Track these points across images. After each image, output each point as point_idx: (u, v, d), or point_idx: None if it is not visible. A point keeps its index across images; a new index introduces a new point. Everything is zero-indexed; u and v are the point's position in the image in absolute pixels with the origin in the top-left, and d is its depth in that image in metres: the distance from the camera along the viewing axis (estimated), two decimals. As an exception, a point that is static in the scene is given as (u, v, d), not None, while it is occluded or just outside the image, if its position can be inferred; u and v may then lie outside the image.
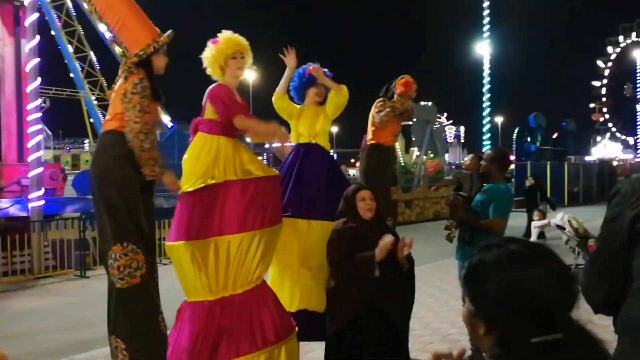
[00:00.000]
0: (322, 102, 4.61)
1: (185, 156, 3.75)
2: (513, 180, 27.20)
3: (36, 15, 10.41)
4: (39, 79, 10.59)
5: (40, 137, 11.13)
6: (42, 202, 10.52)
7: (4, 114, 11.54)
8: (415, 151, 28.66)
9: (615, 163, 38.91)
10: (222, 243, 3.50)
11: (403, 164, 26.90)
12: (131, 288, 3.46)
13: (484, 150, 20.08)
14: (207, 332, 3.49)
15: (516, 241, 1.33)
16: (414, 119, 26.34)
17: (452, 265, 5.45)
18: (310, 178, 4.28)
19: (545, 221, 9.20)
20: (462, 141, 58.54)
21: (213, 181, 3.56)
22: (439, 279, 8.67)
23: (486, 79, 27.56)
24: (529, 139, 32.46)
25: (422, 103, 27.05)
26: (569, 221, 9.00)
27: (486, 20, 27.57)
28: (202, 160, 3.64)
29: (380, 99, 5.11)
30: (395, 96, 5.07)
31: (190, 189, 3.60)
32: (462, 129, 56.85)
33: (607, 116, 63.05)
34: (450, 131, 54.55)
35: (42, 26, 10.21)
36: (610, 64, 62.43)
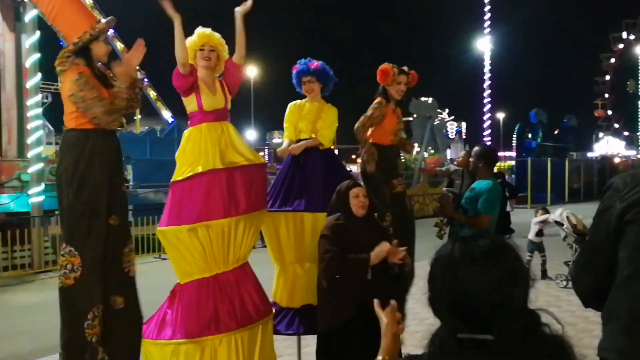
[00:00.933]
0: (327, 95, 4.63)
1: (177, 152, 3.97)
2: (513, 176, 27.22)
3: (37, 10, 10.45)
4: (40, 75, 10.63)
5: (40, 132, 11.18)
6: (42, 197, 10.58)
7: (5, 110, 11.57)
8: (415, 147, 28.64)
9: (617, 160, 38.82)
10: (209, 227, 3.71)
11: (403, 160, 26.91)
12: (64, 288, 3.46)
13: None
14: (198, 308, 3.72)
15: (478, 238, 1.35)
16: (414, 115, 26.33)
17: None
18: (314, 172, 4.31)
19: (544, 216, 9.19)
20: (464, 137, 58.45)
21: (200, 169, 3.76)
22: (436, 275, 8.68)
23: (487, 75, 27.51)
24: (529, 135, 32.46)
25: (423, 99, 27.06)
26: (567, 217, 8.99)
27: (487, 15, 27.51)
28: (187, 152, 3.87)
29: (378, 99, 4.97)
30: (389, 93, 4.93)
31: (179, 178, 3.82)
32: (463, 124, 56.71)
33: (609, 112, 62.85)
34: (451, 127, 54.42)
35: (43, 22, 10.20)
36: (613, 59, 62.18)
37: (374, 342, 3.51)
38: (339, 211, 3.75)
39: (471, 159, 4.76)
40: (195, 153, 3.82)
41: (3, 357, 5.86)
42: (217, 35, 4.02)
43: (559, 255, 9.16)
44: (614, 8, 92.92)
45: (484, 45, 28.25)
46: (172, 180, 3.88)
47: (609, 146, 55.13)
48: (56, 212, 11.05)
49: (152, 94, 32.55)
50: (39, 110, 11.25)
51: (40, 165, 10.74)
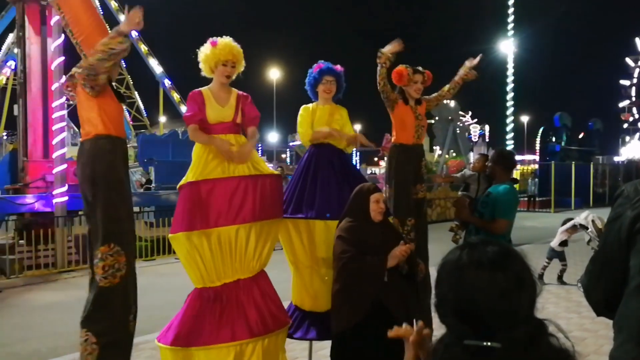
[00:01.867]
0: (339, 98, 4.62)
1: (194, 150, 3.94)
2: (537, 180, 26.87)
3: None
4: (64, 77, 10.77)
5: (64, 134, 11.34)
6: (66, 197, 10.73)
7: (30, 112, 11.76)
8: (437, 150, 28.48)
9: (643, 163, 38.09)
10: (221, 233, 3.71)
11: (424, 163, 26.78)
12: (112, 287, 3.61)
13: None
14: (199, 316, 3.73)
15: (486, 244, 1.35)
16: (436, 118, 26.19)
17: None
18: (327, 179, 4.29)
19: (569, 224, 9.00)
20: (487, 140, 57.89)
21: (224, 175, 3.78)
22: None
23: (510, 78, 27.22)
24: (553, 139, 32.03)
25: (445, 102, 26.86)
26: (592, 221, 8.84)
27: (511, 17, 27.23)
28: (202, 160, 3.85)
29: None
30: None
31: (194, 180, 3.79)
32: (486, 128, 56.13)
33: (636, 116, 61.69)
34: (474, 130, 53.91)
35: (68, 25, 10.36)
36: (639, 62, 61.00)
37: (390, 344, 3.50)
38: (356, 212, 3.73)
39: (489, 163, 4.70)
40: (209, 159, 3.83)
41: (25, 355, 5.94)
42: (240, 49, 3.98)
43: (582, 260, 9.01)
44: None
45: (507, 47, 27.94)
46: (190, 180, 3.85)
47: (636, 150, 54.13)
48: (80, 213, 11.21)
49: (176, 96, 32.89)
50: (64, 112, 11.43)
51: (65, 166, 10.90)
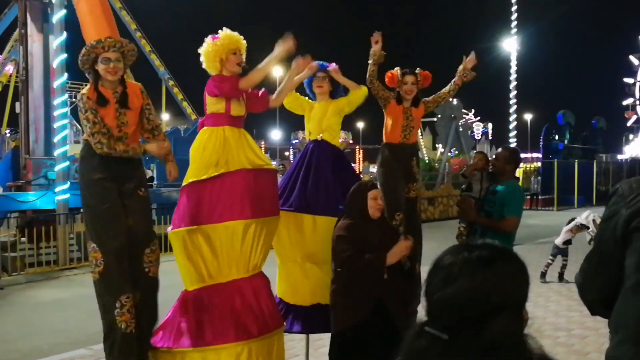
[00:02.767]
0: (335, 94, 4.62)
1: (191, 150, 3.88)
2: (539, 178, 26.81)
3: (64, 12, 10.62)
4: (66, 75, 10.79)
5: (67, 131, 11.35)
6: (68, 195, 10.73)
7: (33, 109, 11.76)
8: (440, 148, 28.44)
9: (647, 161, 37.96)
10: (219, 229, 3.68)
11: (427, 161, 26.73)
12: (95, 281, 3.79)
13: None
14: (193, 316, 3.69)
15: (481, 245, 1.37)
16: (439, 115, 26.13)
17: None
18: (316, 174, 4.31)
19: (573, 223, 8.96)
20: (490, 138, 57.78)
21: (224, 170, 3.72)
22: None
23: (513, 76, 27.14)
24: (556, 137, 31.94)
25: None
26: (593, 220, 8.81)
27: (514, 15, 27.13)
28: (209, 151, 3.79)
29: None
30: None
31: (195, 179, 3.76)
32: (489, 125, 56.01)
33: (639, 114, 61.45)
34: (477, 128, 53.79)
35: (70, 23, 10.35)
36: (644, 60, 60.73)
37: (390, 342, 3.50)
38: (355, 210, 3.72)
39: (496, 162, 4.67)
40: (218, 154, 3.76)
41: (26, 352, 5.95)
42: (244, 40, 3.96)
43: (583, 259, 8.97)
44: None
45: (510, 45, 27.84)
46: (190, 180, 3.78)
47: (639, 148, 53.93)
48: (81, 210, 11.23)
49: (178, 94, 32.88)
50: (66, 109, 11.44)
51: (66, 163, 10.90)
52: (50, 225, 10.51)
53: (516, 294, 1.32)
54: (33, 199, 10.91)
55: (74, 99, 23.18)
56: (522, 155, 4.96)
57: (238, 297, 3.71)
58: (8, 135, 29.56)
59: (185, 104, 31.24)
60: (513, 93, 27.13)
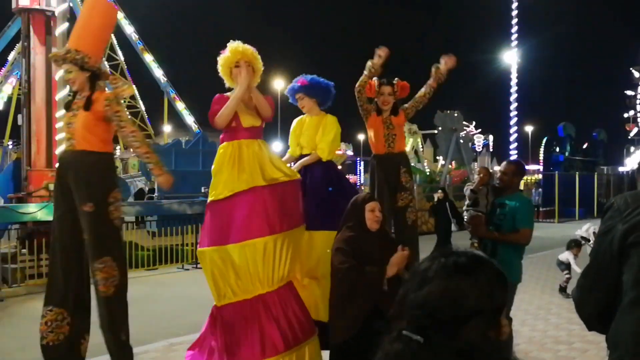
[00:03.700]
0: (323, 101, 4.69)
1: (213, 166, 3.94)
2: (540, 190, 26.79)
3: (67, 24, 10.69)
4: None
5: (68, 143, 11.36)
6: (69, 207, 10.72)
7: (34, 121, 11.80)
8: (440, 160, 28.44)
9: (648, 174, 37.82)
10: (254, 245, 3.68)
11: (428, 173, 26.73)
12: None
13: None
14: (244, 331, 3.68)
15: (458, 253, 1.38)
16: (439, 128, 26.17)
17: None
18: (312, 189, 4.33)
19: (573, 243, 8.93)
20: (491, 150, 57.85)
21: (242, 187, 3.75)
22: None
23: (514, 88, 27.23)
24: (557, 149, 31.97)
25: (448, 111, 26.87)
26: (594, 233, 8.81)
27: (514, 28, 27.28)
28: (225, 172, 3.82)
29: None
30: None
31: (220, 197, 3.79)
32: (490, 137, 56.07)
33: (640, 126, 61.48)
34: (478, 140, 53.86)
35: (73, 35, 10.43)
36: (645, 73, 60.85)
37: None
38: (353, 223, 3.73)
39: (504, 177, 4.68)
40: (234, 170, 3.79)
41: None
42: (250, 48, 3.96)
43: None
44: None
45: (511, 57, 27.96)
46: (210, 199, 3.85)
47: (640, 160, 53.96)
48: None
49: (180, 105, 32.98)
50: (68, 121, 11.46)
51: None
52: (51, 236, 10.48)
53: (491, 300, 1.32)
54: (34, 210, 10.90)
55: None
56: (523, 166, 4.97)
57: (264, 312, 3.71)
58: (10, 147, 29.64)
59: (187, 116, 31.36)
60: (514, 105, 27.22)
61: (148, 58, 30.02)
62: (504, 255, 4.40)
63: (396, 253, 3.57)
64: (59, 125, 11.06)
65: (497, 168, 16.79)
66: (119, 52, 38.45)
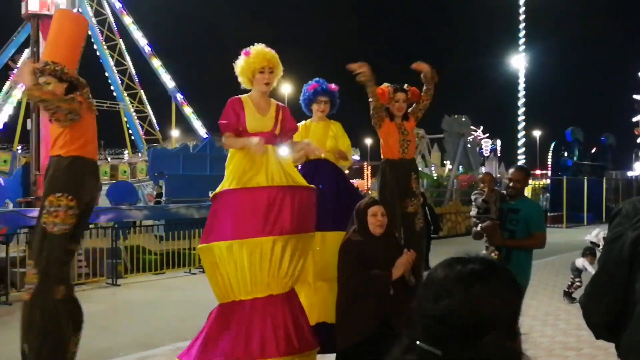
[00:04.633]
0: (333, 112, 4.70)
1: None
2: (548, 195, 26.66)
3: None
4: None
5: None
6: (77, 211, 10.77)
7: (43, 126, 11.85)
8: (448, 165, 28.38)
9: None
10: (258, 244, 3.62)
11: (435, 178, 26.66)
12: None
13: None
14: (226, 332, 3.63)
15: (472, 259, 1.34)
16: (447, 132, 26.10)
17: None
18: (322, 192, 4.31)
19: (587, 251, 8.87)
20: (499, 155, 57.72)
21: (243, 184, 3.71)
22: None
23: (521, 92, 27.16)
24: (565, 154, 31.83)
25: (455, 116, 26.81)
26: (603, 238, 8.74)
27: (522, 32, 27.23)
28: (234, 165, 3.81)
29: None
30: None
31: (228, 187, 3.74)
32: (498, 142, 55.91)
33: (649, 130, 61.15)
34: (486, 144, 53.72)
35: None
36: (653, 77, 60.56)
37: None
38: (358, 227, 3.73)
39: (517, 184, 4.69)
40: (240, 169, 3.78)
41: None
42: (274, 54, 3.94)
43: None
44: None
45: (518, 62, 27.90)
46: (226, 188, 3.78)
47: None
48: (90, 226, 11.29)
49: (187, 110, 33.16)
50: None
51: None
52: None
53: (508, 308, 1.29)
54: (43, 214, 10.97)
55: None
56: (531, 172, 5.03)
57: (272, 313, 3.65)
58: (20, 152, 29.84)
59: (195, 120, 31.51)
60: (521, 110, 27.16)
61: (156, 63, 30.24)
62: (517, 260, 4.43)
63: (402, 256, 3.57)
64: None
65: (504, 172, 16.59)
66: (127, 58, 38.69)
